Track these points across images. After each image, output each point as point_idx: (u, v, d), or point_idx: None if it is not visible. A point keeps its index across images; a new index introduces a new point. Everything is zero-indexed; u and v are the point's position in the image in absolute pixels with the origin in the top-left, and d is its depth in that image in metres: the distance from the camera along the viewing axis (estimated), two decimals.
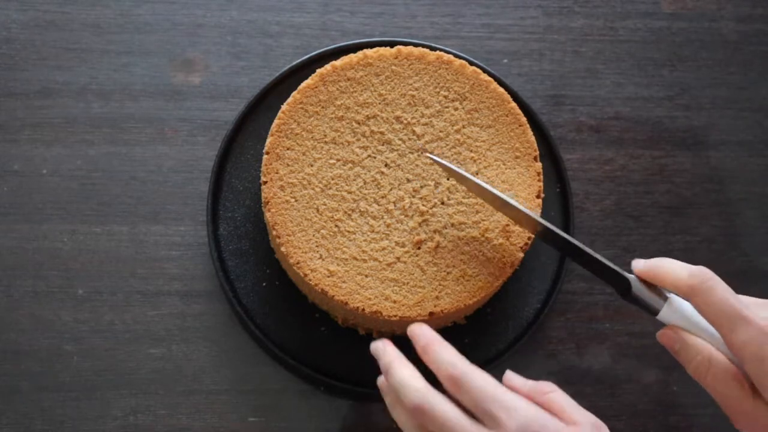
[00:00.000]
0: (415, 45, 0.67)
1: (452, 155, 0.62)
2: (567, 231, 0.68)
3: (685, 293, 0.51)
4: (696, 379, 0.52)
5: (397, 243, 0.61)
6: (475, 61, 0.69)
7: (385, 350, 0.54)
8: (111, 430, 0.64)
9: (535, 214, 0.60)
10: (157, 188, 0.69)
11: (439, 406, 0.49)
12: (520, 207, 0.58)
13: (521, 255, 0.62)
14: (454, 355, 0.52)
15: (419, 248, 0.61)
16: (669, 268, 0.52)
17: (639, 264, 0.54)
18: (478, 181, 0.59)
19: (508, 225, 0.62)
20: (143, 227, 0.68)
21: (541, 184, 0.63)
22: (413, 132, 0.62)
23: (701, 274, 0.51)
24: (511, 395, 0.49)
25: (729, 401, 0.50)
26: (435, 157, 0.61)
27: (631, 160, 0.74)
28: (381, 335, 0.65)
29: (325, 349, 0.65)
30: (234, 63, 0.73)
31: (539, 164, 0.63)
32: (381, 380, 0.55)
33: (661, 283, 0.53)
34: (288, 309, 0.66)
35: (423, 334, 0.53)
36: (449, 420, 0.49)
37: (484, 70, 0.66)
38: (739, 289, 0.72)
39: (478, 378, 0.50)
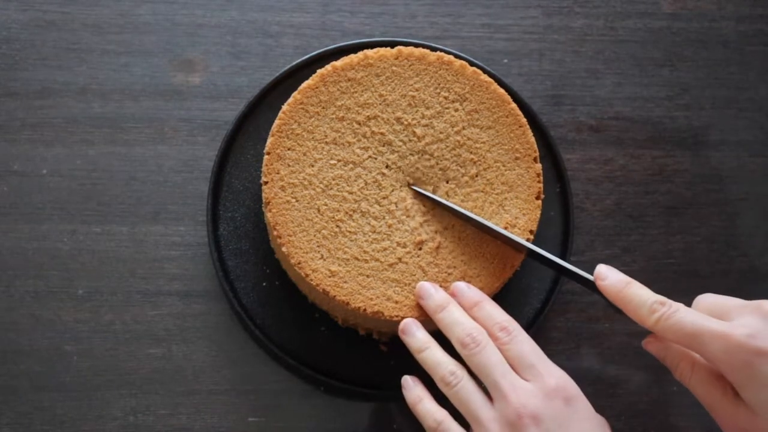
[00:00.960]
0: (416, 45, 0.67)
1: (452, 157, 0.62)
2: (567, 231, 0.68)
3: (649, 328, 0.53)
4: (682, 383, 0.54)
5: (398, 243, 0.61)
6: (476, 61, 0.69)
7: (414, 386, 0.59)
8: (111, 430, 0.64)
9: (522, 239, 0.61)
10: (157, 188, 0.69)
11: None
12: (505, 232, 0.60)
13: (521, 255, 0.62)
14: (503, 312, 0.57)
15: (420, 249, 0.61)
16: (632, 302, 0.54)
17: (603, 282, 0.55)
18: (462, 210, 0.61)
19: (507, 226, 0.62)
20: (143, 227, 0.68)
21: (541, 185, 0.63)
22: (414, 133, 0.62)
23: (658, 309, 0.52)
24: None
25: (712, 404, 0.52)
26: (420, 190, 0.62)
27: (631, 160, 0.74)
28: (381, 335, 0.65)
29: (325, 349, 0.65)
30: (234, 63, 0.73)
31: (539, 165, 0.63)
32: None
33: (625, 311, 0.55)
34: (288, 309, 0.66)
35: (469, 293, 0.59)
36: None
37: (485, 71, 0.66)
38: (739, 289, 0.72)
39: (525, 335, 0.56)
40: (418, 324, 0.59)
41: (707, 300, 0.54)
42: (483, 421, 0.53)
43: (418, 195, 0.62)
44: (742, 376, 0.49)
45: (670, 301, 0.52)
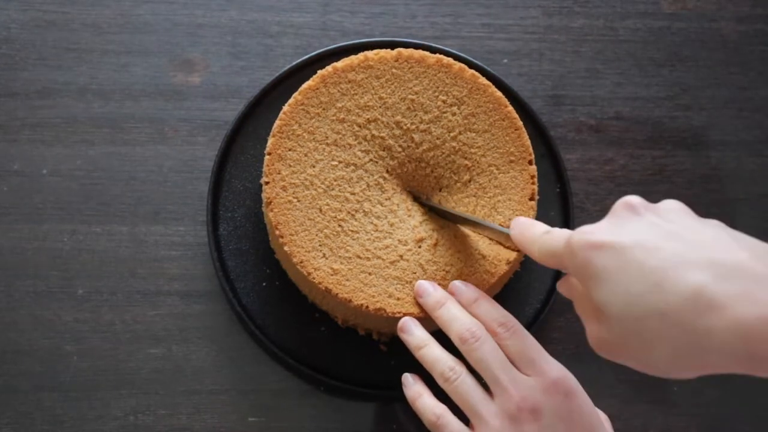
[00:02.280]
0: (416, 46, 0.67)
1: (447, 164, 0.63)
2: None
3: (536, 259, 0.52)
4: (578, 315, 0.51)
5: (400, 241, 0.61)
6: (476, 62, 0.69)
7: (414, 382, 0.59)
8: (111, 430, 0.64)
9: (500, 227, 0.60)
10: (157, 188, 0.69)
11: None
12: (489, 224, 0.60)
13: (515, 254, 0.62)
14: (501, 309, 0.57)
15: (420, 246, 0.61)
16: (528, 240, 0.53)
17: (512, 231, 0.55)
18: (454, 211, 0.61)
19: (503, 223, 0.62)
20: (143, 227, 0.68)
21: (535, 186, 0.63)
22: (412, 139, 0.62)
23: (542, 238, 0.51)
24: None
25: (584, 323, 0.49)
26: (432, 204, 0.62)
27: (631, 160, 0.74)
28: (381, 335, 0.65)
29: (325, 349, 0.65)
30: (234, 63, 0.73)
31: (534, 167, 0.63)
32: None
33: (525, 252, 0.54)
34: (288, 309, 0.66)
35: (468, 291, 0.58)
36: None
37: (485, 71, 0.67)
38: None
39: (524, 331, 0.56)
40: (416, 322, 0.59)
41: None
42: (483, 415, 0.53)
43: (418, 198, 0.62)
44: (585, 277, 0.46)
45: (555, 229, 0.51)
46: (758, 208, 0.73)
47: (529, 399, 0.52)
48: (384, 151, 0.62)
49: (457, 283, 0.59)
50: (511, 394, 0.52)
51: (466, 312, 0.57)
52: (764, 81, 0.77)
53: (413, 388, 0.58)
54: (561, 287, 0.53)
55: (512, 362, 0.54)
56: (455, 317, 0.57)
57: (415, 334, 0.58)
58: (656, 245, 0.44)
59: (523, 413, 0.52)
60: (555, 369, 0.54)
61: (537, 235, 0.52)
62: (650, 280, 0.43)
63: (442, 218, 0.62)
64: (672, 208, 0.48)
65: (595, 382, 0.68)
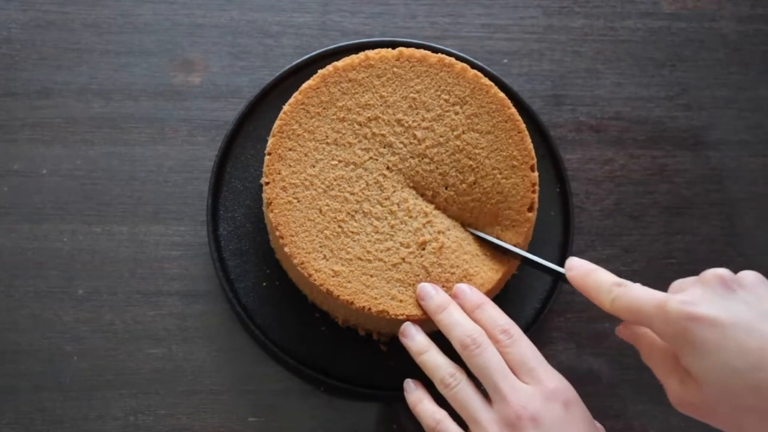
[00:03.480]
0: (417, 46, 0.67)
1: (451, 162, 0.62)
2: (567, 231, 0.69)
3: (608, 311, 0.53)
4: (647, 365, 0.54)
5: (401, 244, 0.61)
6: (476, 62, 0.69)
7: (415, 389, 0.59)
8: (111, 430, 0.64)
9: (519, 249, 0.62)
10: (157, 188, 0.69)
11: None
12: (498, 242, 0.62)
13: (516, 263, 0.62)
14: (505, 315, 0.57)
15: (424, 249, 0.61)
16: (594, 287, 0.54)
17: (571, 272, 0.56)
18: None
19: (497, 238, 0.62)
20: (143, 227, 0.68)
21: (535, 195, 0.63)
22: (414, 136, 0.62)
23: (613, 290, 0.52)
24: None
25: (665, 381, 0.52)
26: (475, 232, 0.63)
27: (631, 160, 0.74)
28: (381, 336, 0.65)
29: (325, 349, 0.65)
30: (234, 63, 0.73)
31: (535, 174, 0.63)
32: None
33: (590, 298, 0.55)
34: (288, 309, 0.66)
35: (472, 295, 0.59)
36: None
37: (485, 72, 0.66)
38: None
39: (526, 339, 0.56)
40: (418, 327, 0.59)
41: (675, 283, 0.54)
42: (482, 421, 0.53)
43: (419, 196, 0.62)
44: (681, 344, 0.49)
45: (627, 282, 0.52)
46: (758, 208, 0.73)
47: (529, 407, 0.52)
48: (385, 148, 0.62)
49: (462, 286, 0.59)
50: (511, 402, 0.52)
51: (467, 317, 0.57)
52: (764, 81, 0.77)
53: (414, 393, 0.59)
54: (622, 334, 0.56)
55: (512, 370, 0.54)
56: (457, 322, 0.57)
57: (416, 340, 0.58)
58: (754, 326, 0.47)
59: (522, 421, 0.52)
60: (555, 379, 0.54)
61: (607, 284, 0.53)
62: (749, 360, 0.46)
63: (450, 217, 0.62)
64: (757, 282, 0.50)
65: (596, 383, 0.68)
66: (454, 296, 0.59)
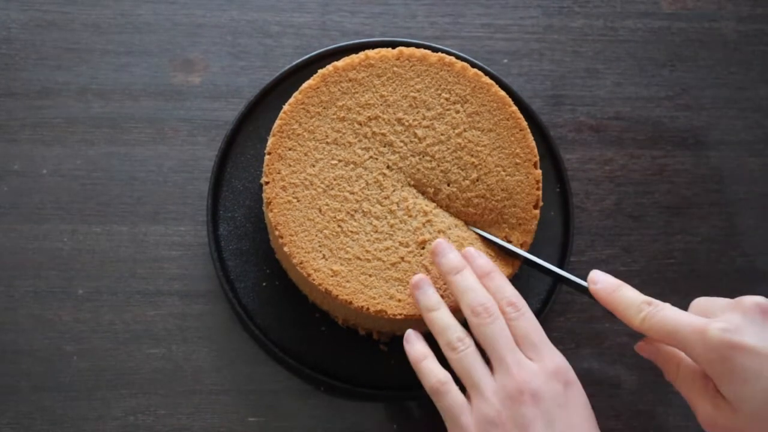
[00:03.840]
0: (417, 46, 0.67)
1: (453, 159, 0.62)
2: (567, 231, 0.69)
3: (636, 329, 0.54)
4: (670, 382, 0.55)
5: (401, 243, 0.61)
6: (476, 62, 0.69)
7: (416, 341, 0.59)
8: (111, 430, 0.64)
9: (520, 250, 0.62)
10: (157, 188, 0.69)
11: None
12: (500, 242, 0.62)
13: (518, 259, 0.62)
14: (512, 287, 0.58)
15: (423, 248, 0.61)
16: (621, 304, 0.55)
17: (595, 286, 0.57)
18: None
19: (504, 237, 0.62)
20: (143, 227, 0.68)
21: (540, 193, 0.63)
22: (415, 135, 0.62)
23: (644, 309, 0.53)
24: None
25: (695, 401, 0.53)
26: (480, 231, 0.63)
27: (631, 160, 0.74)
28: (381, 335, 0.65)
29: (325, 349, 0.65)
30: (234, 63, 0.73)
31: (539, 172, 0.63)
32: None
33: (615, 314, 0.56)
34: (288, 309, 0.66)
35: (482, 260, 0.59)
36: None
37: (485, 72, 0.66)
38: (739, 289, 0.72)
39: (531, 314, 0.57)
40: (429, 282, 0.58)
41: (700, 302, 0.55)
42: (484, 390, 0.53)
43: (420, 195, 0.62)
44: (719, 370, 0.50)
45: (657, 301, 0.53)
46: (758, 208, 0.73)
47: (531, 383, 0.53)
48: (385, 147, 0.62)
49: (471, 250, 0.59)
50: (514, 375, 0.53)
51: (481, 284, 0.57)
52: (764, 81, 0.77)
53: (416, 346, 0.58)
54: (643, 350, 0.57)
55: (516, 343, 0.55)
56: (471, 287, 0.57)
57: (428, 294, 0.58)
58: None
59: (524, 395, 0.52)
60: (557, 357, 0.55)
61: (636, 302, 0.54)
62: None
63: (451, 216, 0.62)
64: None
65: (596, 383, 0.68)
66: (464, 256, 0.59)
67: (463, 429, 0.53)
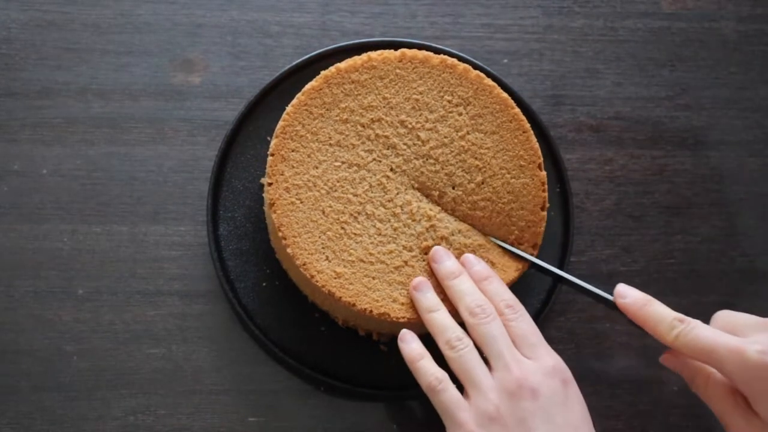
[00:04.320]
0: (418, 46, 0.67)
1: (457, 162, 0.62)
2: (567, 231, 0.69)
3: (668, 345, 0.54)
4: (696, 393, 0.56)
5: (404, 247, 0.61)
6: (477, 62, 0.69)
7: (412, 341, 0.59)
8: (111, 430, 0.64)
9: (526, 254, 0.63)
10: (157, 188, 0.69)
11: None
12: (506, 246, 0.63)
13: (525, 263, 0.62)
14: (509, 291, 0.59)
15: (427, 254, 0.61)
16: (652, 319, 0.55)
17: (624, 300, 0.57)
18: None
19: (514, 242, 0.63)
20: (143, 227, 0.68)
21: (546, 194, 0.63)
22: (418, 137, 0.62)
23: (677, 326, 0.54)
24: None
25: (725, 416, 0.54)
26: (499, 242, 0.63)
27: (631, 160, 0.74)
28: (381, 336, 0.65)
29: (325, 349, 0.65)
30: (234, 63, 0.73)
31: (544, 173, 0.63)
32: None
33: (644, 328, 0.56)
34: (288, 309, 0.66)
35: (480, 266, 0.60)
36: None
37: (487, 73, 0.66)
38: (739, 289, 0.72)
39: (529, 317, 0.58)
40: (429, 285, 0.59)
41: (724, 316, 0.56)
42: (483, 387, 0.54)
43: (424, 198, 0.62)
44: (756, 390, 0.51)
45: (689, 318, 0.54)
46: (758, 208, 0.73)
47: (530, 379, 0.53)
48: (388, 149, 0.62)
49: (470, 256, 0.61)
50: (513, 372, 0.54)
51: (477, 288, 0.58)
52: (764, 81, 0.77)
53: (412, 345, 0.58)
54: (669, 362, 0.58)
55: (514, 344, 0.56)
56: (468, 291, 0.58)
57: (428, 296, 0.59)
58: None
59: (523, 391, 0.53)
60: (554, 357, 0.56)
61: (668, 319, 0.54)
62: None
63: (455, 221, 0.62)
64: None
65: (596, 383, 0.68)
66: (461, 264, 0.60)
67: (461, 426, 0.54)
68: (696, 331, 0.53)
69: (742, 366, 0.51)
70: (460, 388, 0.56)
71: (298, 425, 0.65)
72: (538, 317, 0.66)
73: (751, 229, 0.73)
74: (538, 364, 0.55)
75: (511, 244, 0.63)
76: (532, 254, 0.63)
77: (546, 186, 0.63)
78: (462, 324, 0.57)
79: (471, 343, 0.56)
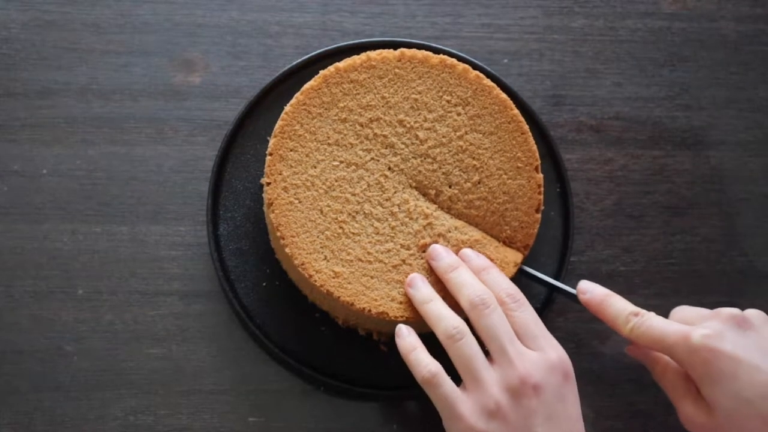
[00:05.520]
0: (418, 46, 0.67)
1: (455, 162, 0.62)
2: (567, 231, 0.69)
3: (625, 337, 0.58)
4: (657, 383, 0.59)
5: (402, 245, 0.61)
6: (477, 63, 0.69)
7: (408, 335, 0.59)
8: (111, 430, 0.64)
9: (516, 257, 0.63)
10: (157, 188, 0.69)
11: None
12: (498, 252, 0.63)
13: (521, 256, 0.62)
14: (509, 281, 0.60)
15: (424, 251, 0.61)
16: (610, 313, 0.59)
17: (585, 296, 0.60)
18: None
19: (505, 240, 0.63)
20: (143, 227, 0.68)
21: (542, 197, 0.63)
22: (416, 137, 0.62)
23: (631, 320, 0.58)
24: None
25: (677, 401, 0.57)
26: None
27: (631, 160, 0.74)
28: (381, 336, 0.65)
29: (325, 349, 0.65)
30: (234, 63, 0.73)
31: (540, 176, 0.63)
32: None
33: (605, 321, 0.60)
34: (288, 309, 0.66)
35: (478, 259, 0.60)
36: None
37: (486, 73, 0.66)
38: (739, 289, 0.72)
39: (530, 306, 0.58)
40: (424, 279, 0.59)
41: (680, 311, 0.59)
42: (483, 380, 0.54)
43: (421, 197, 0.62)
44: (701, 373, 0.55)
45: (645, 311, 0.57)
46: (759, 208, 0.73)
47: (534, 375, 0.54)
48: (386, 148, 0.62)
49: (468, 251, 0.61)
50: (516, 367, 0.54)
51: (477, 279, 0.58)
52: (764, 81, 0.77)
53: (407, 339, 0.58)
54: (633, 353, 0.62)
55: (516, 335, 0.56)
56: (467, 282, 0.58)
57: (422, 291, 0.59)
58: (762, 362, 0.53)
59: (526, 387, 0.53)
60: (557, 350, 0.56)
61: (624, 313, 0.58)
62: (758, 391, 0.53)
63: (451, 218, 0.62)
64: (762, 322, 0.56)
65: (596, 383, 0.68)
66: (460, 259, 0.60)
67: (460, 418, 0.53)
68: (649, 323, 0.56)
69: (687, 350, 0.54)
70: (458, 379, 0.56)
71: (298, 425, 0.65)
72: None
73: (751, 229, 0.73)
74: (541, 357, 0.55)
75: (503, 243, 0.63)
76: (523, 254, 0.63)
77: (542, 188, 0.63)
78: (466, 320, 0.57)
79: (469, 332, 0.56)
